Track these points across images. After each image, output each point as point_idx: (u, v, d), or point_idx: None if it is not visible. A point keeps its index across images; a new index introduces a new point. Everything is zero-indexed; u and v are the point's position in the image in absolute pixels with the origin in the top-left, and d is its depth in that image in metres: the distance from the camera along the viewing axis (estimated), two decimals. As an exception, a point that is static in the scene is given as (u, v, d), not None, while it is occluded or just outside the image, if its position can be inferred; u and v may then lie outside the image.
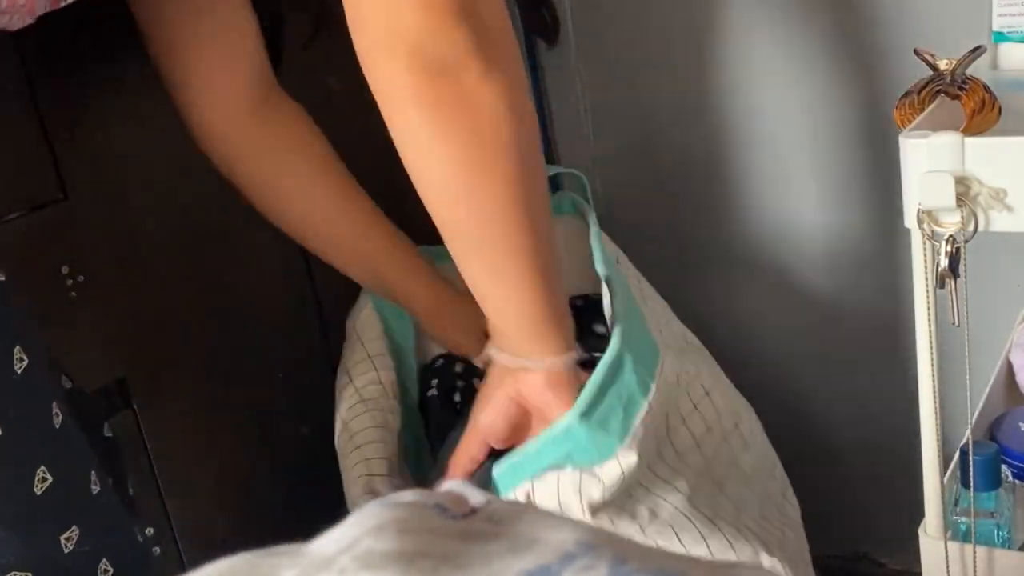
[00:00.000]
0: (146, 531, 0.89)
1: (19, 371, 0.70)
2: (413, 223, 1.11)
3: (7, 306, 0.71)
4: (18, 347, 0.70)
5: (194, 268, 1.08)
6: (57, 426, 0.72)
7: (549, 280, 0.77)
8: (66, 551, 0.72)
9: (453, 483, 0.36)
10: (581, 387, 0.80)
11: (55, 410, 0.73)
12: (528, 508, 0.34)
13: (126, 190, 1.01)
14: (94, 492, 0.75)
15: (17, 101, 0.92)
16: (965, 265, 0.72)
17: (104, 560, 0.74)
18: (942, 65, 0.81)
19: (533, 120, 0.73)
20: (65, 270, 0.95)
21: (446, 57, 0.65)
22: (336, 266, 0.98)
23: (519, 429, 0.83)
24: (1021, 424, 0.97)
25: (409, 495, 0.34)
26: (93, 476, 0.75)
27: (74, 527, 0.72)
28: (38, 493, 0.70)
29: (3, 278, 0.72)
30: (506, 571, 0.30)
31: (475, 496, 0.35)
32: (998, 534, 0.85)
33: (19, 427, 0.69)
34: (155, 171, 1.03)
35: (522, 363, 0.80)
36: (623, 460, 0.81)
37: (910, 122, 0.78)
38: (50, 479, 0.70)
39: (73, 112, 0.96)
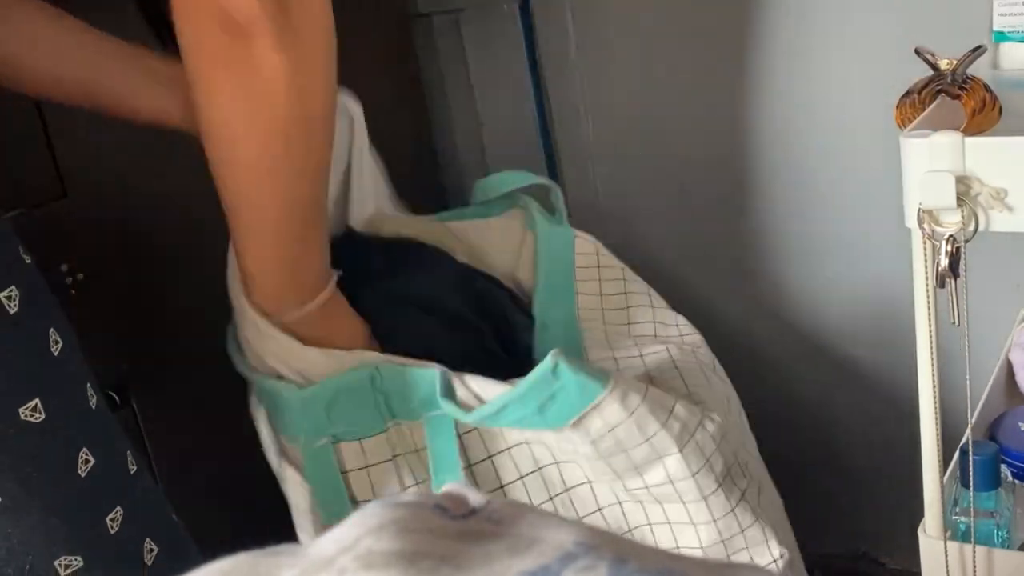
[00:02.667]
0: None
1: (55, 353, 0.70)
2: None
3: (40, 290, 0.72)
4: (52, 329, 0.70)
5: (194, 268, 1.08)
6: (93, 407, 0.73)
7: (294, 251, 0.81)
8: (112, 532, 0.72)
9: (453, 484, 0.36)
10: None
11: (89, 391, 0.73)
12: (528, 508, 0.34)
13: (126, 190, 1.01)
14: (131, 471, 0.75)
15: (17, 100, 0.92)
16: (965, 265, 0.72)
17: (148, 540, 0.74)
18: (942, 65, 0.81)
19: (316, 101, 0.75)
20: (65, 268, 0.95)
21: (243, 20, 0.68)
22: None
23: None
24: (1021, 424, 0.97)
25: (409, 495, 0.34)
26: (129, 455, 0.75)
27: (118, 507, 0.72)
28: (82, 475, 0.70)
29: (29, 260, 0.72)
30: (506, 571, 0.30)
31: (475, 496, 0.35)
32: (998, 534, 0.85)
33: (60, 410, 0.69)
34: (155, 170, 1.03)
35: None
36: (606, 409, 0.80)
37: (910, 122, 0.78)
38: (92, 460, 0.71)
39: (73, 112, 0.96)
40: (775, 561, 0.93)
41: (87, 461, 0.71)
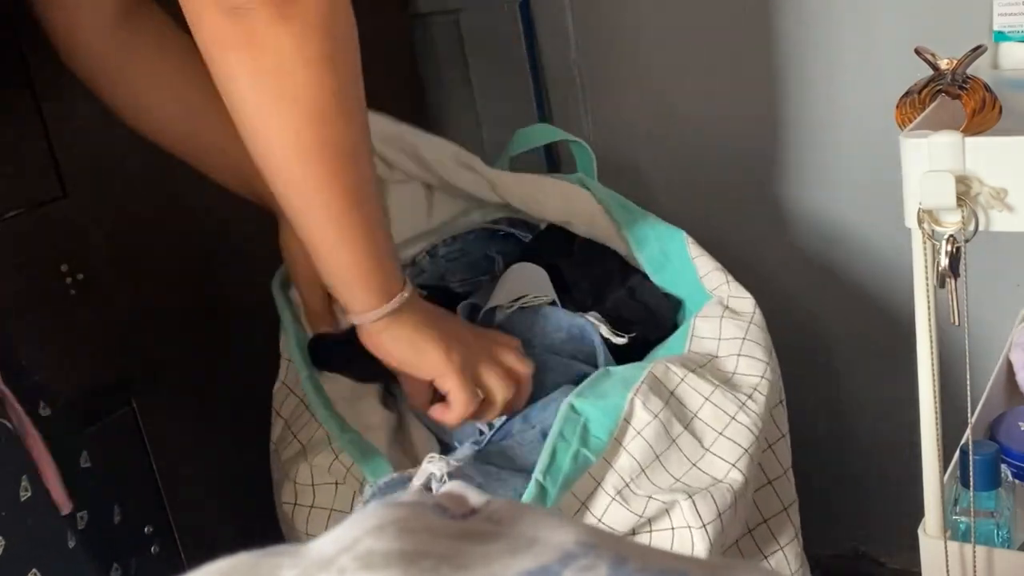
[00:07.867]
0: (145, 529, 0.88)
1: None
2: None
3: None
4: None
5: (194, 268, 1.08)
6: None
7: (356, 235, 0.76)
8: None
9: (453, 484, 0.36)
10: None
11: None
12: (528, 508, 0.34)
13: (126, 190, 1.01)
14: (23, 499, 0.69)
15: (18, 100, 0.92)
16: (965, 265, 0.72)
17: (34, 570, 0.69)
18: (943, 65, 0.81)
19: (338, 70, 0.71)
20: (64, 268, 0.95)
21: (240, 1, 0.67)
22: (206, 172, 0.92)
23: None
24: (1021, 424, 0.97)
25: (409, 495, 0.34)
26: (24, 481, 0.70)
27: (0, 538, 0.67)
28: None
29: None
30: (506, 571, 0.30)
31: (475, 496, 0.35)
32: (998, 534, 0.85)
33: None
34: (155, 171, 1.03)
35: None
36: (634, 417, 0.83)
37: (910, 122, 0.78)
38: None
39: (73, 112, 0.96)
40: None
41: None
